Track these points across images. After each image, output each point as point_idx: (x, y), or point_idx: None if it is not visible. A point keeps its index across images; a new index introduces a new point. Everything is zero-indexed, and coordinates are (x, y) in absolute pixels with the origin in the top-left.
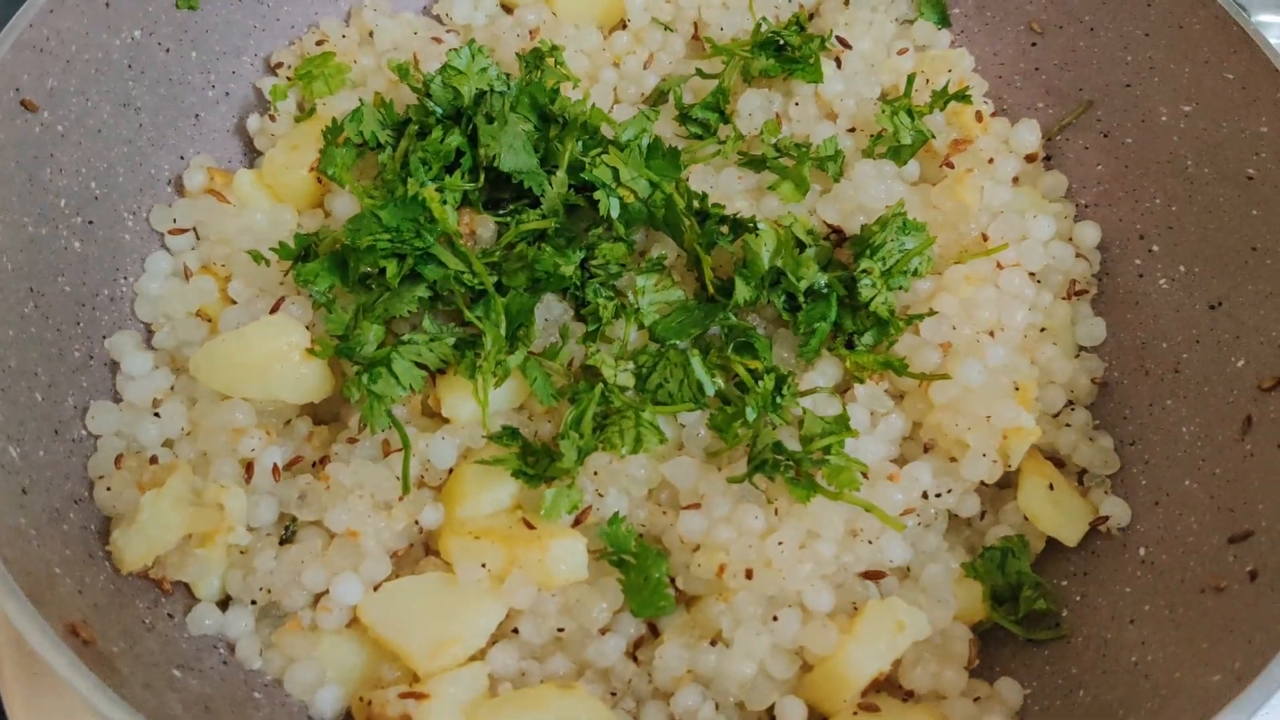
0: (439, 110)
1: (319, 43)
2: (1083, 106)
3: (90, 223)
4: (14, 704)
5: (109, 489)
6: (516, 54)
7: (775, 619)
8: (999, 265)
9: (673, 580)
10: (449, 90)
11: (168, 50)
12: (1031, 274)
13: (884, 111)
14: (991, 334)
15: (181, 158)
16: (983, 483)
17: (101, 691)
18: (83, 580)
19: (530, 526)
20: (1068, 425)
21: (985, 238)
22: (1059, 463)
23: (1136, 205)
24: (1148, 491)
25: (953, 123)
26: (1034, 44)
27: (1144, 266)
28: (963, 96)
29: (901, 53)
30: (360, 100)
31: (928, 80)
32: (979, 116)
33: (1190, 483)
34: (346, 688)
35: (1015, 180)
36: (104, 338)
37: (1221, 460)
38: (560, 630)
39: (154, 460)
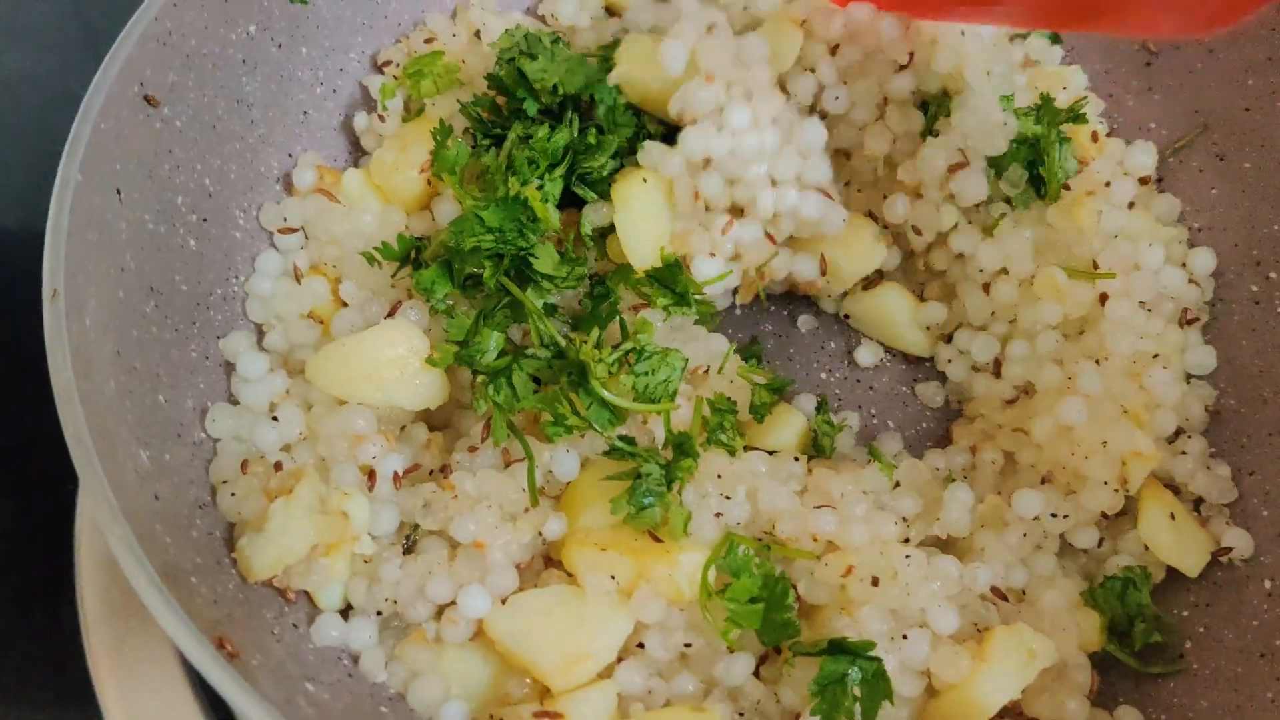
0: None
1: (427, 40)
2: (1198, 130)
3: (204, 220)
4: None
5: (233, 495)
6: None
7: (905, 638)
8: (1104, 296)
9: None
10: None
11: (280, 46)
12: (1142, 303)
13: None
14: (1097, 362)
15: (289, 155)
16: (1102, 514)
17: (263, 709)
18: (215, 589)
19: (656, 540)
20: (1184, 453)
21: (1095, 265)
22: (1175, 491)
23: (1253, 231)
24: (1270, 523)
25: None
26: (1148, 63)
27: (1260, 294)
28: (1078, 116)
29: (1029, 64)
30: (458, 101)
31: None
32: (1095, 136)
33: None
34: (472, 703)
35: (1130, 205)
36: (218, 338)
37: None
38: (687, 646)
39: (279, 466)
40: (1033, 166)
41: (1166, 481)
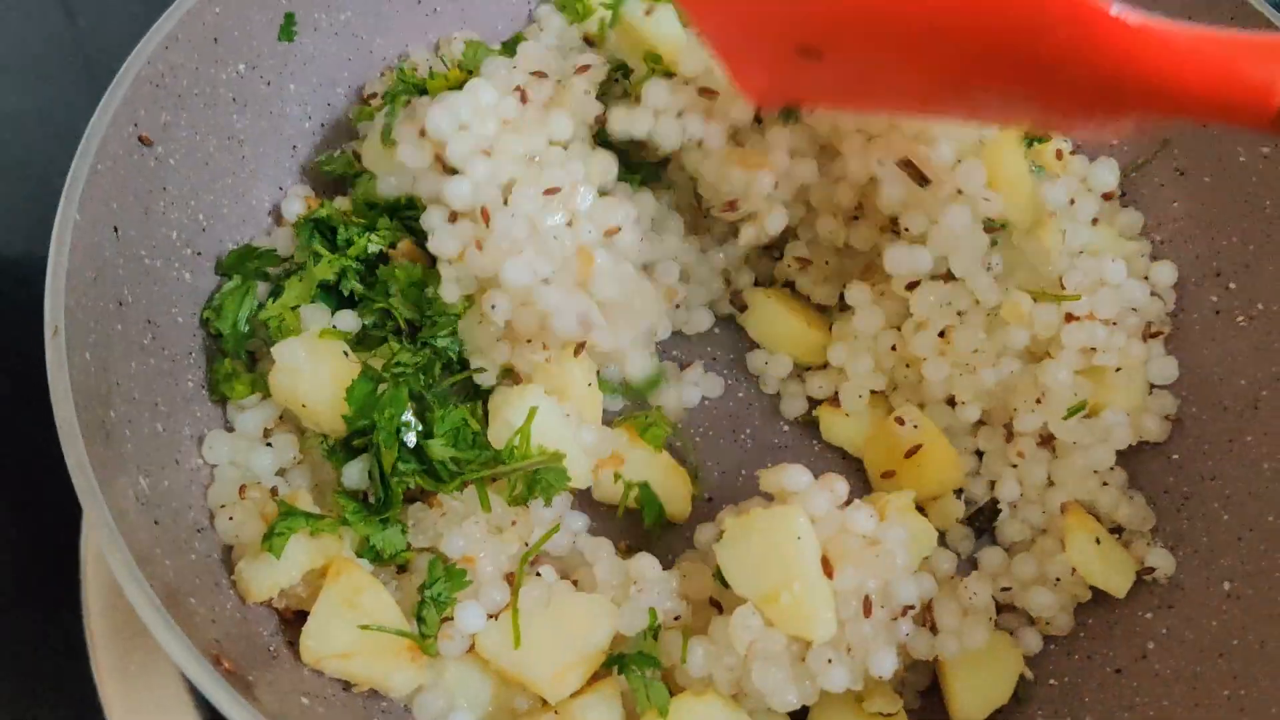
0: None
1: (403, 70)
2: (1159, 146)
3: (199, 254)
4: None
5: (231, 518)
6: None
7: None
8: (1070, 317)
9: None
10: None
11: (269, 83)
12: (1106, 320)
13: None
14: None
15: (280, 188)
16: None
17: None
18: (213, 609)
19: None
20: (1106, 484)
21: (1062, 285)
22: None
23: (1213, 243)
24: (1229, 527)
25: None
26: None
27: (1221, 304)
28: (1042, 136)
29: None
30: None
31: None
32: (1059, 154)
33: (1273, 518)
34: (477, 713)
35: (1094, 221)
36: (216, 367)
37: None
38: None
39: (275, 492)
40: None
41: (1089, 508)
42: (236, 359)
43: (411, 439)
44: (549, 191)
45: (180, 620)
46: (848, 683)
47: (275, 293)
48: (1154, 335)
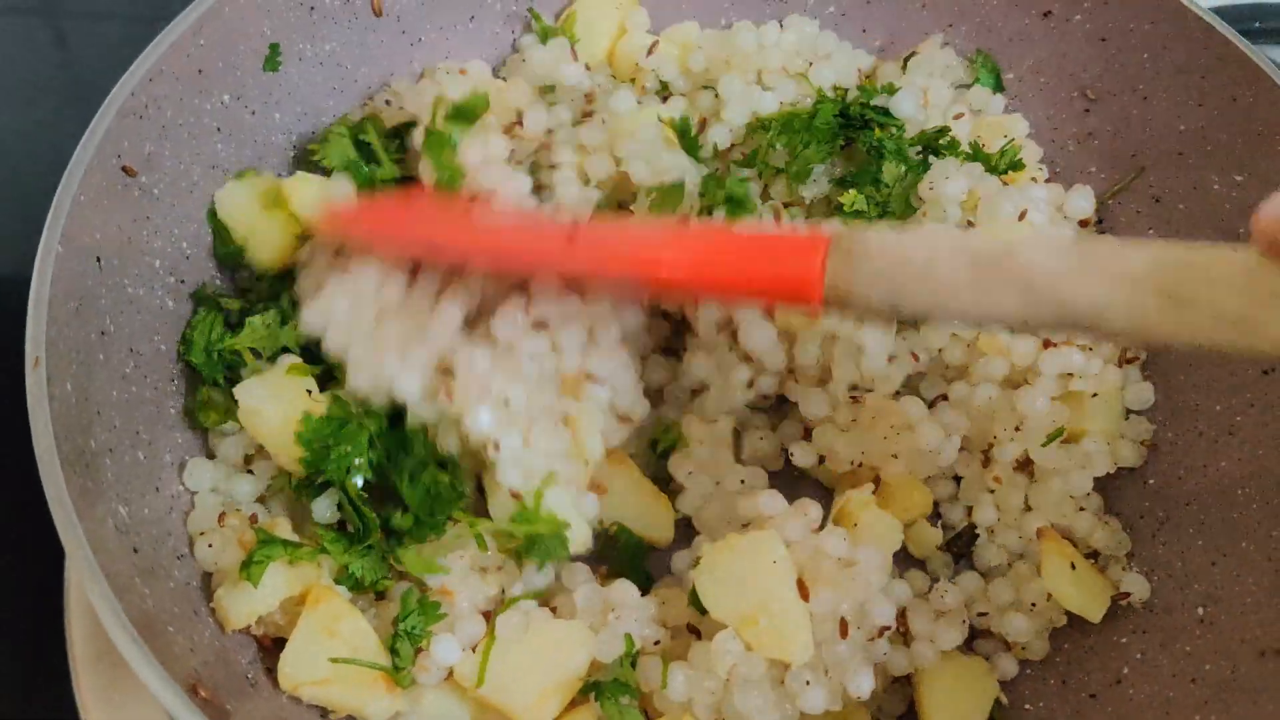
0: None
1: (387, 102)
2: (1135, 174)
3: (182, 282)
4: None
5: (210, 546)
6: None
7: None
8: (1047, 343)
9: None
10: None
11: (253, 113)
12: (1082, 345)
13: None
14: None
15: None
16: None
17: None
18: (191, 637)
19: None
20: (1082, 509)
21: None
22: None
23: None
24: (1204, 551)
25: None
26: (1087, 110)
27: None
28: (1016, 164)
29: (958, 118)
30: None
31: (983, 145)
32: (1036, 180)
33: (1247, 544)
34: None
35: None
36: (195, 395)
37: (1278, 523)
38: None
39: (254, 519)
40: None
41: (1064, 534)
42: (213, 386)
43: (359, 480)
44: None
45: (157, 650)
46: (826, 704)
47: (238, 325)
48: (1129, 361)
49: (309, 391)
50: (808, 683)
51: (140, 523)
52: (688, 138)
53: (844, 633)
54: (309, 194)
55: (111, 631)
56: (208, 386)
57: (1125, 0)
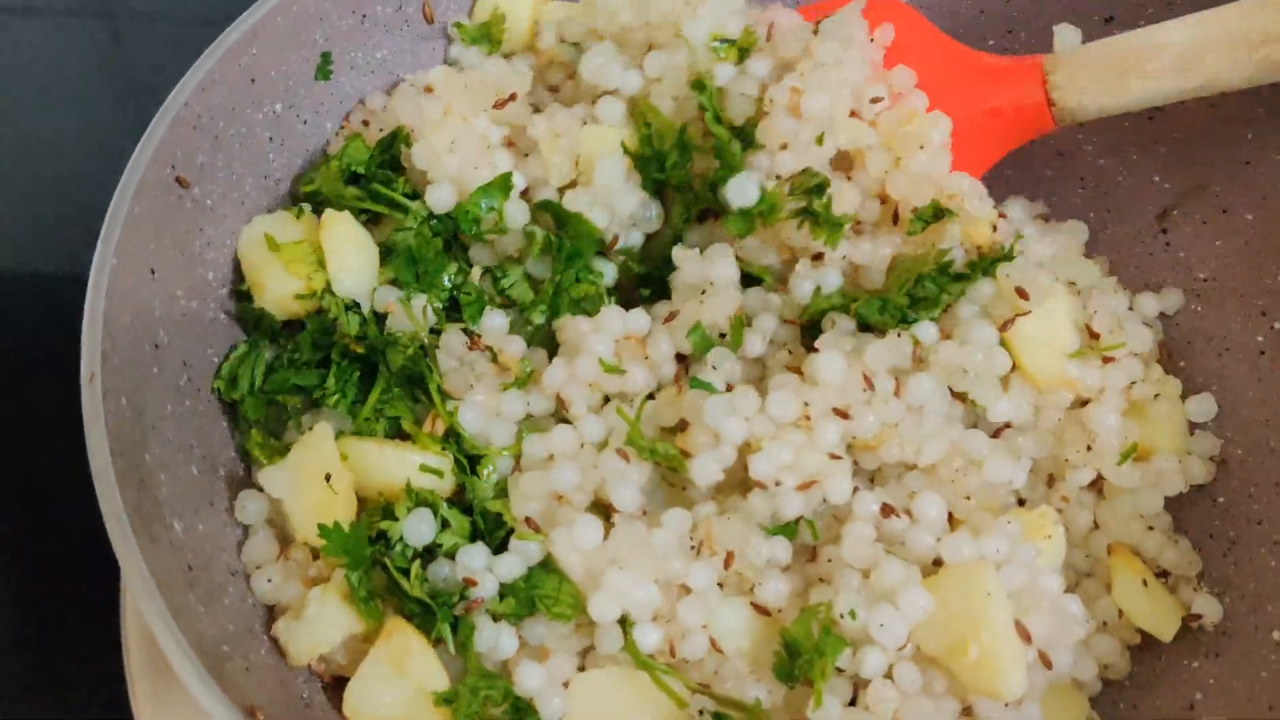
0: None
1: (365, 122)
2: (1199, 184)
3: (234, 294)
4: None
5: (270, 581)
6: None
7: None
8: (1106, 359)
9: None
10: None
11: (305, 122)
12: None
13: None
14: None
15: None
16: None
17: None
18: (247, 656)
19: None
20: (1151, 529)
21: (1094, 335)
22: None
23: (1258, 281)
24: (1277, 573)
25: None
26: (1151, 118)
27: (1266, 344)
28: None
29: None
30: None
31: None
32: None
33: None
34: None
35: None
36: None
37: None
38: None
39: (316, 555)
40: None
41: (1133, 552)
42: (259, 427)
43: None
44: None
45: (213, 670)
46: None
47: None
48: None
49: (326, 477)
50: None
51: (194, 539)
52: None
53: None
54: (339, 232)
55: (169, 652)
56: (257, 430)
57: (1191, 4)
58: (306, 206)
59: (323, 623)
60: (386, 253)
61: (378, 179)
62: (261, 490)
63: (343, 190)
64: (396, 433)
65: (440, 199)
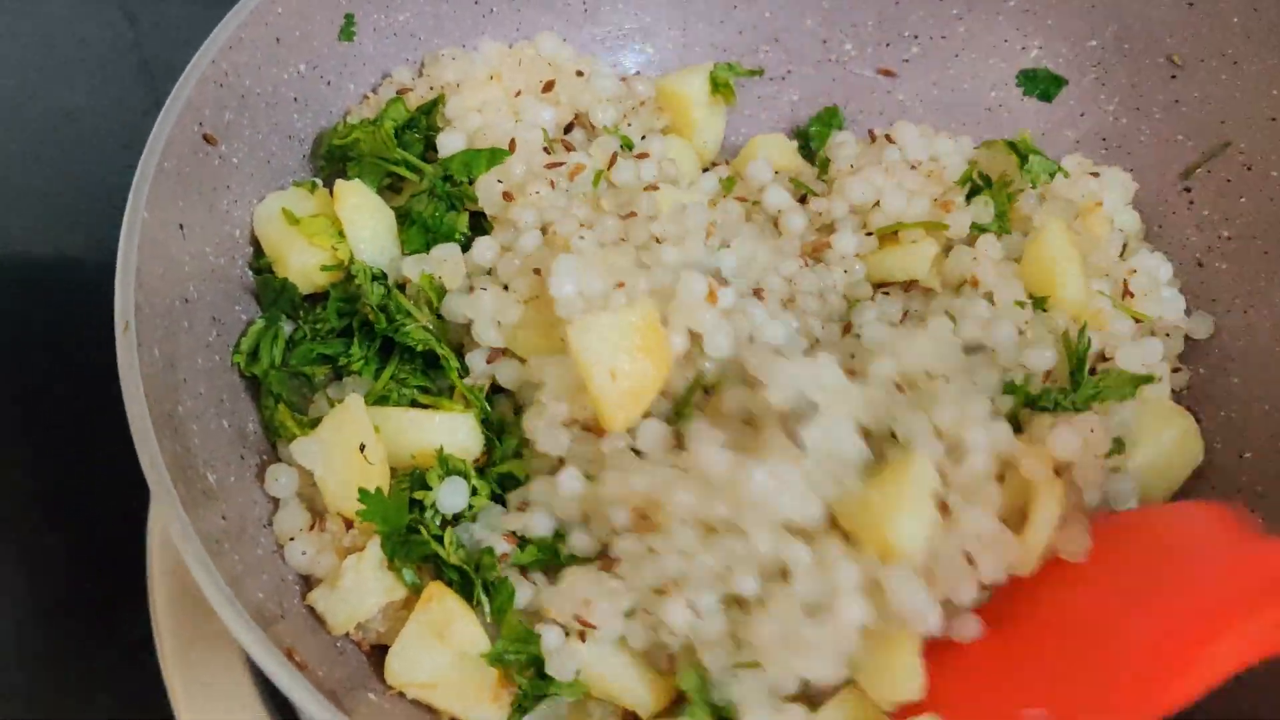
0: None
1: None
2: (1222, 144)
3: (260, 253)
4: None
5: (304, 553)
6: None
7: None
8: (1137, 320)
9: None
10: None
11: (329, 83)
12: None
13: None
14: None
15: None
16: None
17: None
18: (281, 604)
19: None
20: None
21: (1129, 293)
22: None
23: None
24: None
25: None
26: (1174, 76)
27: None
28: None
29: None
30: None
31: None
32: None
33: None
34: None
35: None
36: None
37: None
38: None
39: (350, 525)
40: None
41: None
42: (283, 402)
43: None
44: None
45: (252, 614)
46: None
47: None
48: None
49: (361, 447)
50: None
51: (226, 490)
52: None
53: None
54: (353, 202)
55: (209, 593)
56: (280, 402)
57: (1255, 58)
58: (318, 181)
59: (360, 591)
60: (405, 220)
61: (403, 142)
62: (290, 464)
63: (377, 146)
64: (412, 403)
65: (449, 142)
